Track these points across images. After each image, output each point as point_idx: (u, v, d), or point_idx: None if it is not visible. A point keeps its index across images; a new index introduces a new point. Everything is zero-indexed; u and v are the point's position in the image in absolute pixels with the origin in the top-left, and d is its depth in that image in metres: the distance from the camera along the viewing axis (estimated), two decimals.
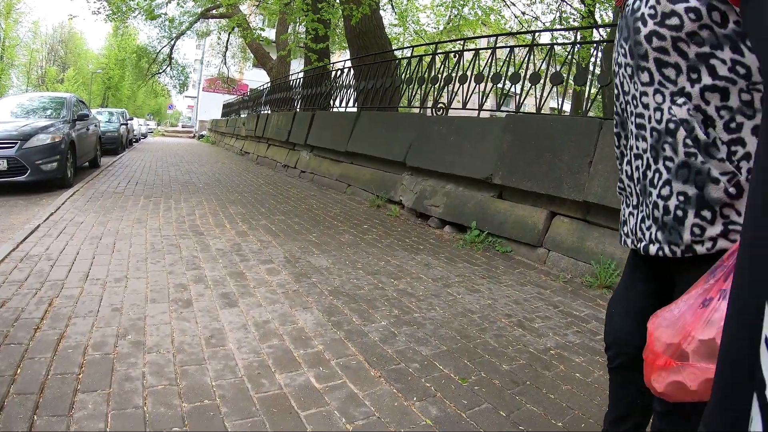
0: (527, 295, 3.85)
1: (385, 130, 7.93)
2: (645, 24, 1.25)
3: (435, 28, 19.52)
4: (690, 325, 1.03)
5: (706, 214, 1.17)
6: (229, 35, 27.36)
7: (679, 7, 1.16)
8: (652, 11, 1.23)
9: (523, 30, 16.07)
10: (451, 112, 7.40)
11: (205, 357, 2.46)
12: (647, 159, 1.31)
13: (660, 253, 1.29)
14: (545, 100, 6.26)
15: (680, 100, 1.20)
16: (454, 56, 7.49)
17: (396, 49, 10.50)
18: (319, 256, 4.48)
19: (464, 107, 7.31)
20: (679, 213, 1.22)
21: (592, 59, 5.92)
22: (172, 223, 5.49)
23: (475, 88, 6.92)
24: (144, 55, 32.66)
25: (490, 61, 6.80)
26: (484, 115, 6.81)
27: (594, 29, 10.60)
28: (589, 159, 4.53)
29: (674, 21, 1.18)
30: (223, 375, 2.29)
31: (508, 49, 6.83)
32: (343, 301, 3.37)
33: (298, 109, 13.64)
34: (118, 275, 3.64)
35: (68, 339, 2.58)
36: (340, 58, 18.03)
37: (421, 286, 3.88)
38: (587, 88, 5.72)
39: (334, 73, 11.57)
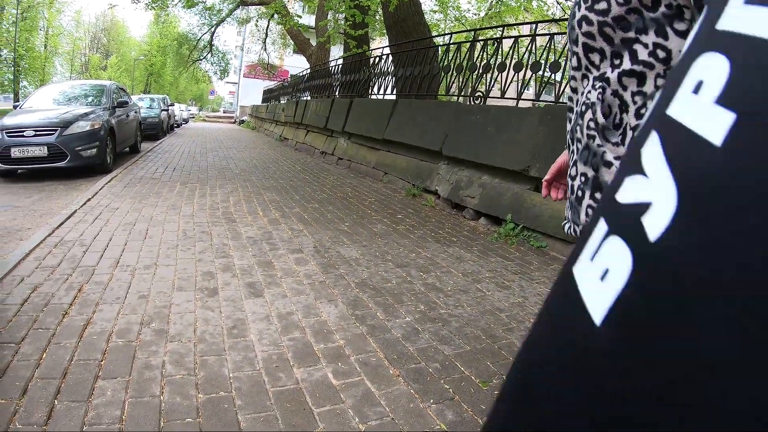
0: None
1: (423, 119, 7.86)
2: (579, 9, 1.21)
3: (476, 14, 19.25)
4: None
5: (599, 196, 1.18)
6: (268, 22, 27.49)
7: None
8: None
9: (565, 17, 15.70)
10: (490, 101, 7.29)
11: (226, 348, 2.48)
12: (568, 140, 1.31)
13: (570, 231, 1.30)
14: None
15: (598, 85, 1.19)
16: (493, 44, 7.36)
17: (435, 36, 10.35)
18: (350, 246, 4.48)
19: (503, 96, 7.18)
20: (580, 193, 1.23)
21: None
22: (206, 210, 5.57)
23: (514, 76, 6.78)
24: (185, 42, 33.09)
25: (530, 48, 6.64)
26: (524, 104, 6.67)
27: None
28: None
29: (602, 5, 1.15)
30: (242, 367, 2.31)
31: (549, 36, 6.66)
32: (369, 295, 3.36)
33: (337, 96, 13.63)
34: (147, 262, 3.71)
35: (94, 325, 2.64)
36: (380, 45, 17.97)
37: (450, 280, 3.82)
38: None
39: (372, 59, 11.50)
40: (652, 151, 0.32)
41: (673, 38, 1.08)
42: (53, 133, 8.10)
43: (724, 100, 0.28)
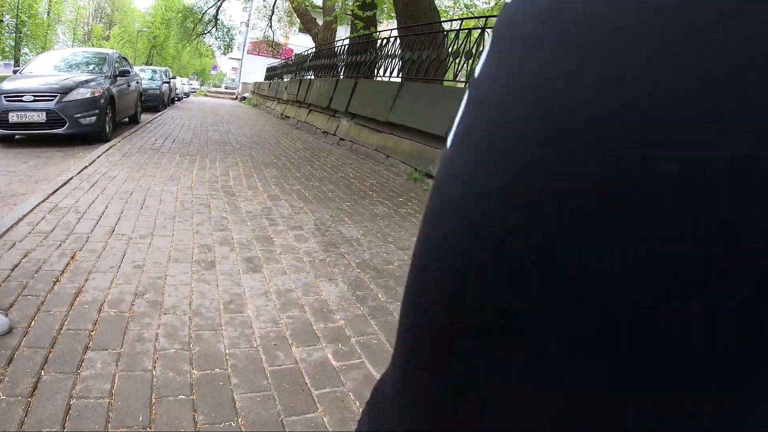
0: None
1: (428, 103, 7.71)
2: None
3: (486, 2, 19.02)
4: None
5: None
6: None
7: None
8: None
9: None
10: None
11: (222, 323, 2.38)
12: None
13: None
14: None
15: None
16: None
17: (444, 21, 10.19)
18: (351, 226, 4.37)
19: None
20: None
21: None
22: (205, 183, 5.45)
23: None
24: (190, 15, 32.82)
25: None
26: None
27: None
28: None
29: None
30: (238, 343, 2.21)
31: None
32: (370, 276, 3.26)
33: (341, 76, 13.47)
34: (143, 232, 3.60)
35: (85, 294, 2.54)
36: (387, 27, 17.80)
37: None
38: None
39: (379, 41, 11.33)
40: None
41: None
42: (52, 99, 7.96)
43: None
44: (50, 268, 2.84)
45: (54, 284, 2.63)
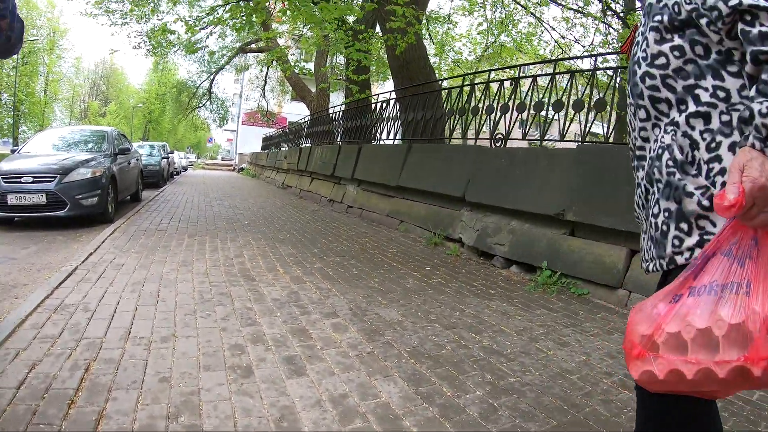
0: (618, 346, 3.35)
1: (439, 164, 7.50)
2: (640, 67, 1.42)
3: (471, 54, 19.29)
4: (662, 318, 1.16)
5: (684, 226, 1.29)
6: (267, 69, 27.61)
7: (665, 48, 1.35)
8: (643, 54, 1.41)
9: (564, 56, 15.63)
10: (512, 143, 6.95)
11: None
12: (645, 185, 1.46)
13: (653, 268, 1.41)
14: (613, 129, 5.83)
15: (670, 129, 1.35)
16: (511, 84, 7.11)
17: (444, 79, 10.19)
18: (387, 306, 4.00)
19: (524, 138, 6.86)
20: (665, 228, 1.34)
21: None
22: (220, 267, 5.10)
23: (535, 116, 6.44)
24: (184, 90, 33.34)
25: (549, 87, 6.34)
26: (548, 144, 6.34)
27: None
28: None
29: (661, 60, 1.36)
30: None
31: (568, 75, 6.42)
32: (427, 366, 2.88)
33: (339, 142, 13.37)
34: (164, 333, 3.21)
35: (108, 420, 2.15)
36: (379, 90, 17.92)
37: (506, 341, 3.39)
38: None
39: (378, 105, 11.25)
40: None
41: (729, 79, 1.25)
42: (52, 180, 7.72)
43: None
44: (62, 385, 2.44)
45: (69, 407, 2.24)
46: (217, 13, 14.37)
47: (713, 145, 1.25)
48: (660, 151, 1.35)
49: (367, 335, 3.33)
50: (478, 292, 4.61)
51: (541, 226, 5.54)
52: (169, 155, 22.86)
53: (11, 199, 7.53)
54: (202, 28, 16.75)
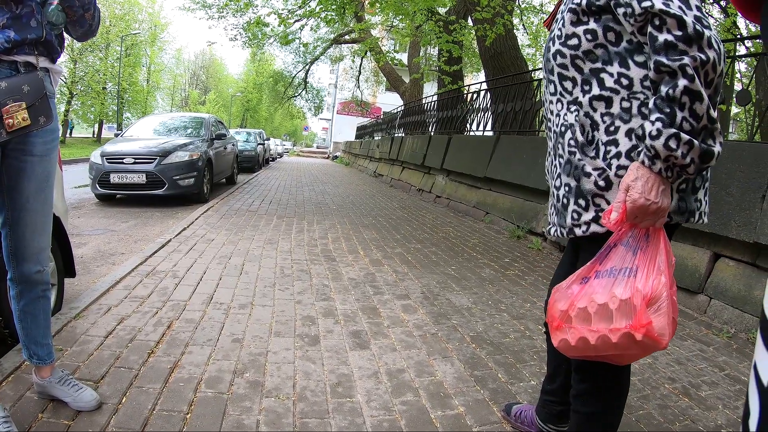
0: (689, 353, 3.21)
1: (527, 156, 7.41)
2: (554, 44, 1.53)
3: None
4: (574, 297, 1.42)
5: (582, 202, 1.46)
6: (361, 59, 28.00)
7: (579, 30, 1.44)
8: (559, 33, 1.51)
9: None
10: None
11: (329, 409, 2.14)
12: (550, 156, 1.63)
13: (554, 233, 1.60)
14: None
15: (573, 108, 1.48)
16: None
17: (531, 71, 9.96)
18: (459, 293, 4.08)
19: None
20: (565, 201, 1.51)
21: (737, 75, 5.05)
22: (304, 246, 5.36)
23: None
24: (280, 80, 34.36)
25: None
26: None
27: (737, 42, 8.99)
28: (762, 192, 3.76)
29: (574, 41, 1.46)
30: None
31: None
32: (487, 351, 2.94)
33: (432, 133, 13.45)
34: (243, 301, 3.47)
35: (181, 369, 2.38)
36: (473, 81, 17.71)
37: None
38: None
39: (470, 95, 11.24)
40: None
41: (634, 68, 1.37)
42: (152, 162, 8.37)
43: None
44: (145, 338, 2.73)
45: (148, 356, 2.50)
46: (309, 6, 14.86)
47: (612, 128, 1.39)
48: (563, 128, 1.50)
49: (434, 318, 3.43)
50: None
51: None
52: (265, 142, 23.84)
53: (114, 178, 8.27)
54: (296, 21, 17.36)
